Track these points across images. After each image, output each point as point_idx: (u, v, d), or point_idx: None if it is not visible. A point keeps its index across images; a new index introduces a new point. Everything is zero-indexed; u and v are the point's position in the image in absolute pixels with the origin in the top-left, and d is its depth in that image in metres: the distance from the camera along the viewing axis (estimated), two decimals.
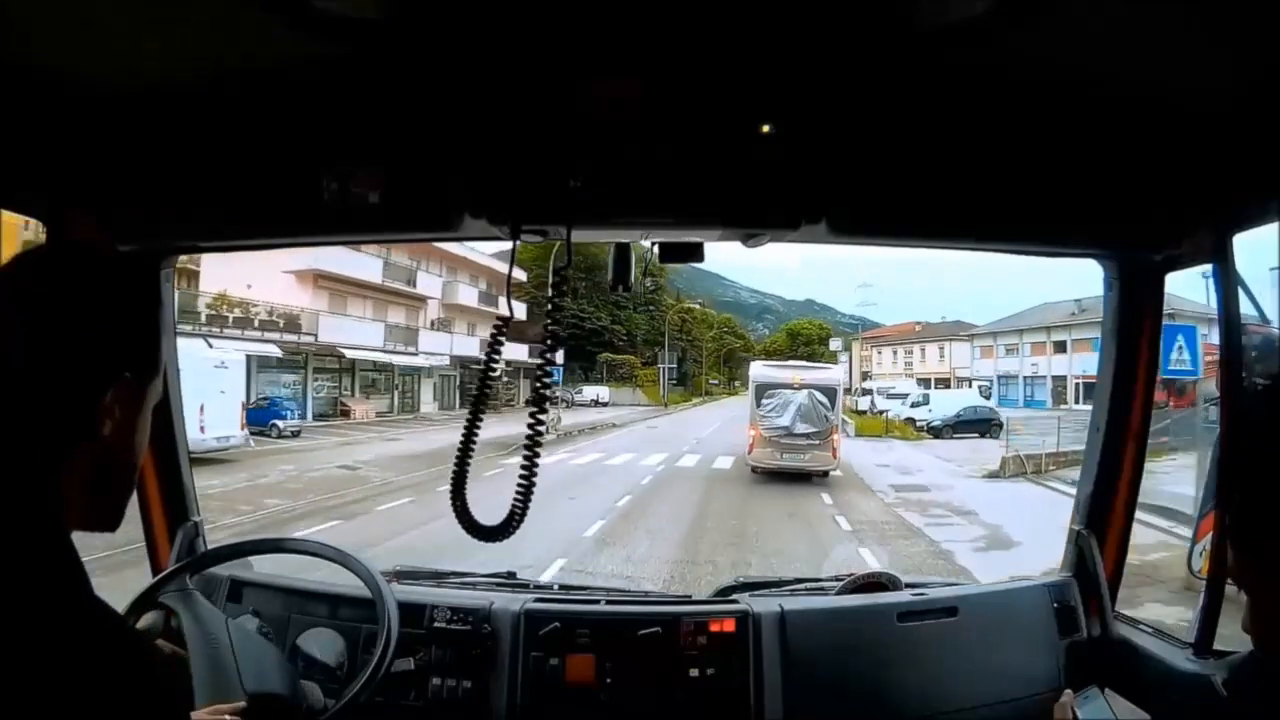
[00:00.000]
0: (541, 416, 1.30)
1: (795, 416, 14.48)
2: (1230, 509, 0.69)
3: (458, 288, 33.88)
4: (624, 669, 1.50)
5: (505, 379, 32.31)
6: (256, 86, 1.09)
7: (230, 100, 1.13)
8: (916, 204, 1.33)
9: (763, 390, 15.00)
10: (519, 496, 1.27)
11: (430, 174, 1.30)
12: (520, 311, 1.39)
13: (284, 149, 1.30)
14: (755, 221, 1.29)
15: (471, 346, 31.27)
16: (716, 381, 66.97)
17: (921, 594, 1.68)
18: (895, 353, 54.89)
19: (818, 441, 14.53)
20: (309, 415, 24.22)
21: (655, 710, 1.50)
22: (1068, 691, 1.40)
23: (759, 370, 16.41)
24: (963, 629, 1.59)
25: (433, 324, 32.55)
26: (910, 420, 27.85)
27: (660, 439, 22.04)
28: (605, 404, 42.31)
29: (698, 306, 67.96)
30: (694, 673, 1.50)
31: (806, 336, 75.11)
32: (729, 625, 1.54)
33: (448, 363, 31.60)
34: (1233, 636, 1.21)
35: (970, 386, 38.12)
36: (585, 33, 0.97)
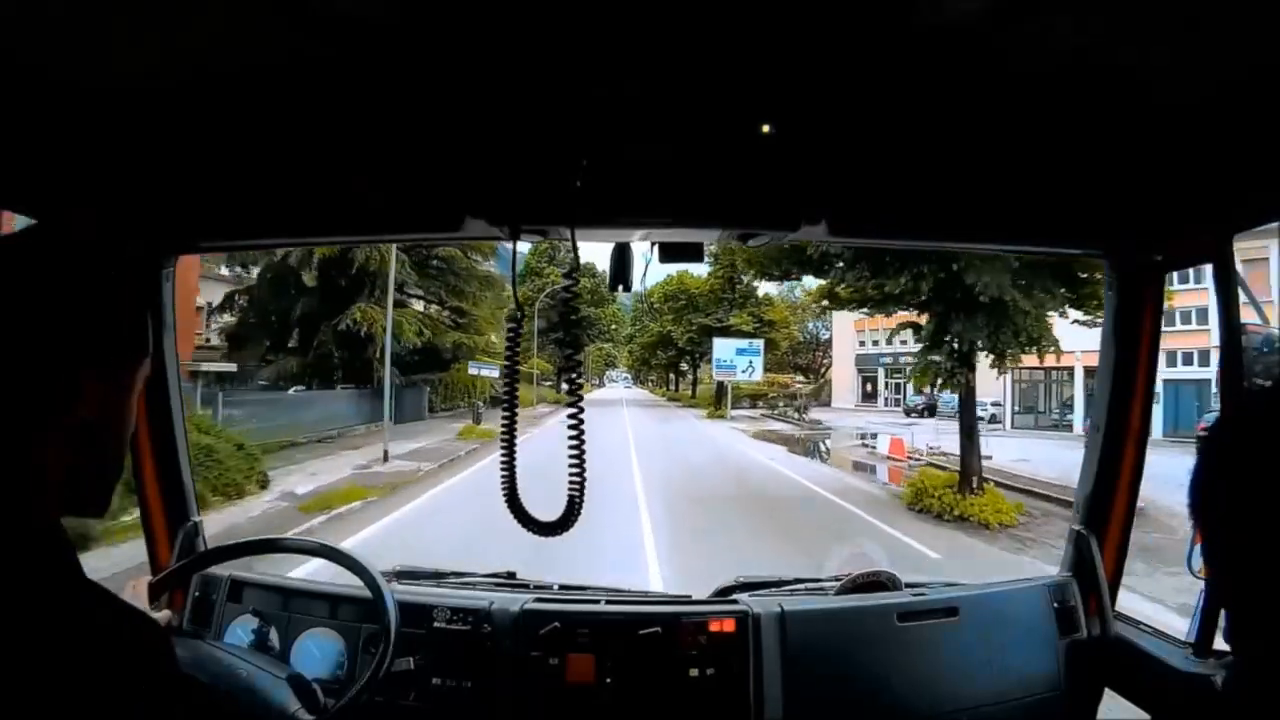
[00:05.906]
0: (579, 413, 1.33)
1: None
2: (1209, 520, 0.65)
3: None
4: (624, 669, 1.50)
5: None
6: (257, 86, 1.09)
7: (231, 100, 1.13)
8: (916, 204, 1.34)
9: None
10: (574, 488, 1.30)
11: (431, 174, 1.30)
12: None
13: (285, 149, 1.30)
14: (755, 222, 1.30)
15: None
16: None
17: (921, 594, 1.67)
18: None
19: None
20: None
21: (655, 710, 1.50)
22: None
23: None
24: (963, 629, 1.59)
25: None
26: None
27: None
28: None
29: None
30: (694, 673, 1.50)
31: None
32: (729, 625, 1.54)
33: None
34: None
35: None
36: (586, 33, 0.97)
